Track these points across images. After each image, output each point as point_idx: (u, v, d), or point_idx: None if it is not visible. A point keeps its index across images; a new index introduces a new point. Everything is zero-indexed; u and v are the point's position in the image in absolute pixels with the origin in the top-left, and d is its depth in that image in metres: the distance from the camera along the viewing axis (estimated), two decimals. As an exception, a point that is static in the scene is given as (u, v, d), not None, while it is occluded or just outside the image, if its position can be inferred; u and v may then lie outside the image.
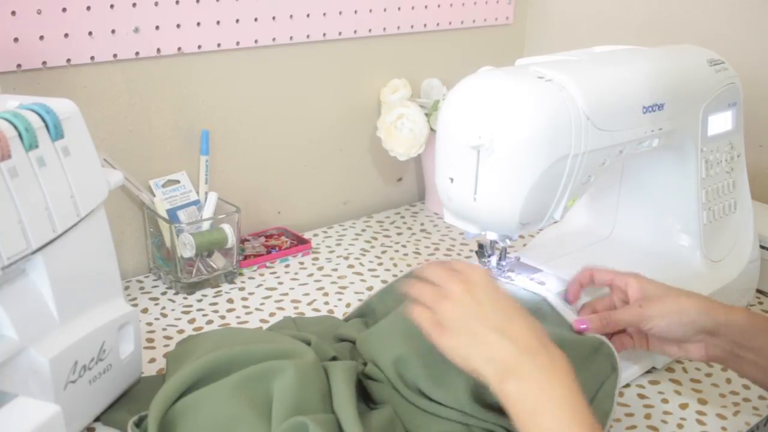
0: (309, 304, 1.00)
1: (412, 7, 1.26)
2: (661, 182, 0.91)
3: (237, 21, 1.07)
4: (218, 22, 1.05)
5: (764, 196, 1.15)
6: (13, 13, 0.88)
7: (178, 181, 1.06)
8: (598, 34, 1.34)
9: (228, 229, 1.02)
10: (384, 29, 1.24)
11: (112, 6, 0.95)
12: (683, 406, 0.81)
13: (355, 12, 1.19)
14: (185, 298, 1.00)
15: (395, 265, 1.12)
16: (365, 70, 1.25)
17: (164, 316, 0.96)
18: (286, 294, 1.03)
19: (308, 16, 1.14)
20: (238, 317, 0.96)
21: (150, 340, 0.90)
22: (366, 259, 1.14)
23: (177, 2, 1.00)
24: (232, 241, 1.02)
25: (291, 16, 1.12)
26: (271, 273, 1.08)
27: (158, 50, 1.01)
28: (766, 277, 1.01)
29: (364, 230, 1.25)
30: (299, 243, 1.15)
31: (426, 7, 1.28)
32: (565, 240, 0.91)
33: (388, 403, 0.73)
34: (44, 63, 0.92)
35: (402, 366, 0.73)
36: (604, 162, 0.76)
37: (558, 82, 0.72)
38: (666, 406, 0.81)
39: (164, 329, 0.93)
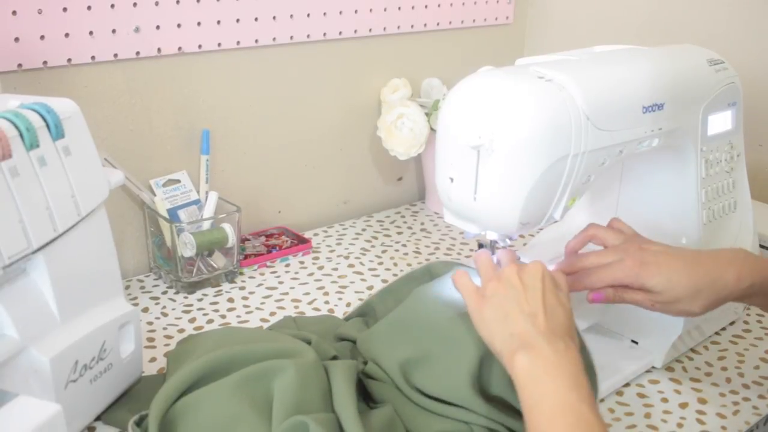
0: (309, 303, 1.00)
1: (412, 7, 1.26)
2: (661, 182, 0.91)
3: (237, 21, 1.07)
4: (219, 22, 1.05)
5: (764, 196, 1.15)
6: (14, 12, 0.88)
7: (178, 181, 1.07)
8: (598, 34, 1.34)
9: (228, 228, 1.02)
10: (384, 29, 1.24)
11: (112, 6, 0.95)
12: (683, 406, 0.81)
13: (356, 12, 1.19)
14: (186, 298, 1.00)
15: (395, 264, 1.12)
16: (365, 69, 1.25)
17: (165, 315, 0.96)
18: (287, 293, 1.03)
19: (309, 15, 1.14)
20: (238, 316, 0.96)
21: (151, 340, 0.90)
22: (366, 258, 1.14)
23: (177, 2, 1.00)
24: (232, 240, 1.02)
25: (291, 16, 1.12)
26: (272, 272, 1.08)
27: (159, 50, 1.01)
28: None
29: (364, 230, 1.25)
30: (299, 242, 1.15)
31: (426, 6, 1.28)
32: (565, 240, 0.91)
33: (388, 402, 0.73)
34: (45, 63, 0.92)
35: (408, 368, 0.73)
36: (604, 162, 0.76)
37: (558, 82, 0.72)
38: (666, 406, 0.81)
39: (165, 328, 0.93)
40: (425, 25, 1.29)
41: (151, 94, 1.03)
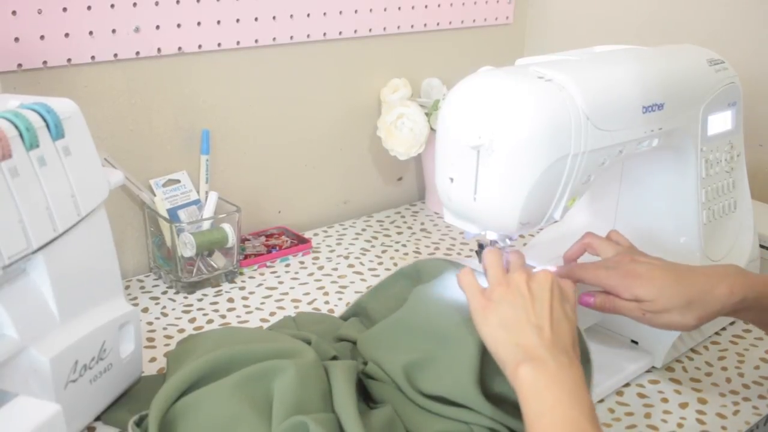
0: (309, 303, 1.00)
1: (412, 7, 1.26)
2: (661, 182, 0.91)
3: (237, 21, 1.07)
4: (219, 22, 1.05)
5: (764, 196, 1.15)
6: (14, 12, 0.88)
7: (178, 181, 1.07)
8: (598, 34, 1.34)
9: (228, 228, 1.02)
10: (384, 29, 1.24)
11: (112, 6, 0.95)
12: (683, 406, 0.81)
13: (356, 12, 1.19)
14: (186, 298, 1.00)
15: (395, 264, 1.12)
16: (365, 69, 1.25)
17: (165, 315, 0.96)
18: (287, 293, 1.03)
19: (309, 15, 1.14)
20: (238, 316, 0.96)
21: (150, 340, 0.90)
22: (366, 258, 1.14)
23: (177, 2, 1.00)
24: (232, 240, 1.02)
25: (291, 16, 1.12)
26: (272, 272, 1.08)
27: (159, 50, 1.01)
28: (765, 277, 1.01)
29: (364, 230, 1.25)
30: (299, 242, 1.15)
31: (426, 6, 1.28)
32: (565, 240, 0.91)
33: (388, 402, 0.73)
34: (45, 63, 0.92)
35: (410, 368, 0.73)
36: (603, 162, 0.76)
37: (558, 82, 0.72)
38: (666, 406, 0.81)
39: (165, 328, 0.93)
40: (425, 25, 1.29)
41: (151, 94, 1.03)
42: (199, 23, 1.03)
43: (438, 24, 1.31)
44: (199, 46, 1.04)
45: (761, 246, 1.00)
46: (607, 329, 0.92)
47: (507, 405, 0.70)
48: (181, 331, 0.93)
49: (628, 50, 0.86)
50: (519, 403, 0.62)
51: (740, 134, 0.95)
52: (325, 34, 1.17)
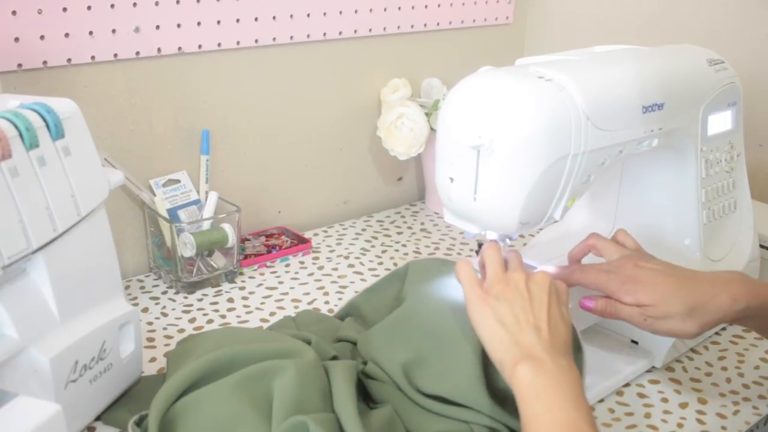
0: (309, 303, 1.00)
1: (412, 7, 1.26)
2: (661, 182, 0.91)
3: (237, 21, 1.07)
4: (219, 22, 1.05)
5: (764, 196, 1.15)
6: (14, 12, 0.88)
7: (178, 181, 1.07)
8: (598, 34, 1.34)
9: (228, 228, 1.02)
10: (384, 29, 1.24)
11: (112, 6, 0.95)
12: (683, 406, 0.81)
13: (356, 12, 1.19)
14: (186, 298, 1.00)
15: (395, 264, 1.12)
16: (365, 69, 1.25)
17: (165, 315, 0.96)
18: (287, 293, 1.03)
19: (308, 15, 1.14)
20: (238, 316, 0.96)
21: (150, 340, 0.90)
22: (366, 258, 1.14)
23: (177, 2, 1.00)
24: (232, 240, 1.02)
25: (291, 16, 1.12)
26: (272, 272, 1.08)
27: (159, 50, 1.01)
28: (766, 277, 1.01)
29: (364, 230, 1.25)
30: (299, 242, 1.15)
31: (426, 6, 1.28)
32: (565, 240, 0.91)
33: (388, 402, 0.73)
34: (45, 63, 0.92)
35: (410, 368, 0.73)
36: (603, 162, 0.76)
37: (558, 82, 0.72)
38: (666, 406, 0.81)
39: (165, 328, 0.93)
40: (425, 25, 1.29)
41: (151, 94, 1.03)
42: (199, 23, 1.03)
43: (438, 24, 1.31)
44: (199, 46, 1.04)
45: (761, 246, 1.00)
46: (607, 329, 0.92)
47: (508, 403, 0.70)
48: (181, 331, 0.93)
49: (628, 50, 0.86)
50: (516, 401, 0.62)
51: (740, 134, 0.95)
52: (325, 34, 1.17)
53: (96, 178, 0.71)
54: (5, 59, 0.89)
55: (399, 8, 1.25)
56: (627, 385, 0.84)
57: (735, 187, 0.95)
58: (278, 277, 1.07)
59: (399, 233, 1.24)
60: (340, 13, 1.17)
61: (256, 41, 1.10)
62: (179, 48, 1.03)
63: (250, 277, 1.07)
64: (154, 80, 1.02)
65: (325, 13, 1.16)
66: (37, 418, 0.53)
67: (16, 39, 0.89)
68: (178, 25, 1.01)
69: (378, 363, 0.76)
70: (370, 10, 1.21)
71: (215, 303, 0.99)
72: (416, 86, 1.29)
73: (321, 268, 1.10)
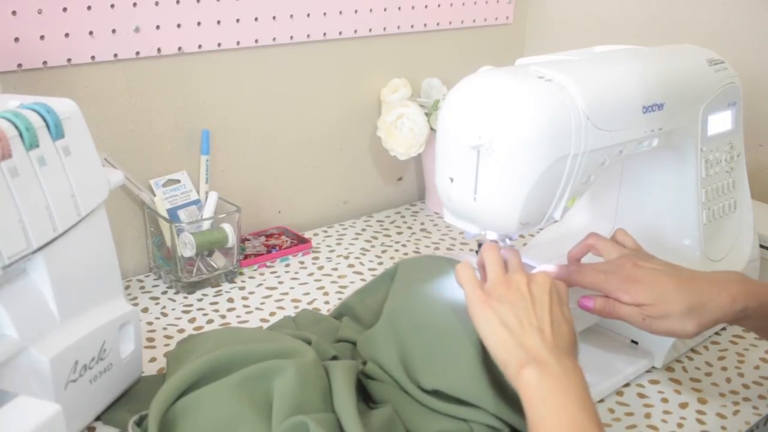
0: (309, 303, 1.00)
1: (412, 7, 1.26)
2: (661, 182, 0.91)
3: (237, 21, 1.07)
4: (219, 22, 1.05)
5: (764, 196, 1.15)
6: (14, 12, 0.88)
7: (178, 181, 1.07)
8: (598, 34, 1.34)
9: (228, 228, 1.02)
10: (384, 29, 1.24)
11: (112, 6, 0.95)
12: (683, 406, 0.81)
13: (356, 12, 1.19)
14: (186, 298, 1.00)
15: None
16: (365, 69, 1.25)
17: (165, 315, 0.96)
18: (287, 293, 1.03)
19: (308, 15, 1.14)
20: (238, 317, 0.96)
21: (150, 340, 0.90)
22: (366, 258, 1.14)
23: (177, 2, 1.00)
24: (232, 240, 1.02)
25: (291, 16, 1.12)
26: (272, 272, 1.08)
27: (159, 50, 1.01)
28: (766, 277, 1.01)
29: (364, 230, 1.25)
30: (299, 242, 1.15)
31: (426, 6, 1.28)
32: (565, 240, 0.91)
33: (388, 402, 0.73)
34: (45, 63, 0.92)
35: (411, 366, 0.73)
36: (603, 162, 0.76)
37: (558, 82, 0.72)
38: (666, 406, 0.81)
39: (165, 329, 0.93)
40: (425, 25, 1.29)
41: (151, 94, 1.03)
42: (199, 23, 1.03)
43: (438, 24, 1.31)
44: (199, 46, 1.04)
45: (761, 246, 1.00)
46: (607, 329, 0.92)
47: (507, 397, 0.70)
48: (181, 331, 0.93)
49: (628, 50, 0.86)
50: (522, 403, 0.62)
51: (740, 134, 0.95)
52: (325, 34, 1.17)
53: (96, 178, 0.71)
54: (5, 59, 0.89)
55: (399, 8, 1.25)
56: (627, 385, 0.84)
57: (735, 187, 0.95)
58: (278, 277, 1.07)
59: (399, 233, 1.24)
60: (340, 13, 1.17)
61: (256, 41, 1.10)
62: (179, 48, 1.03)
63: (250, 277, 1.07)
64: (154, 80, 1.02)
65: (325, 13, 1.16)
66: (37, 418, 0.53)
67: (16, 39, 0.89)
68: (178, 25, 1.01)
69: (378, 362, 0.76)
70: (370, 10, 1.21)
71: (215, 303, 0.99)
72: (416, 86, 1.29)
73: (321, 268, 1.10)
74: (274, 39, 1.12)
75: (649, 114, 0.79)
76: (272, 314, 0.97)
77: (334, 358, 0.79)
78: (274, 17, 1.10)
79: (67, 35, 0.92)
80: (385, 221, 1.29)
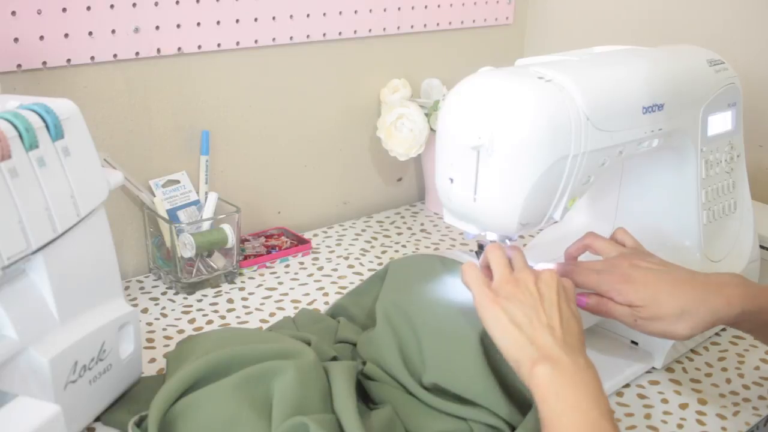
0: (309, 304, 1.00)
1: (412, 7, 1.26)
2: (661, 183, 0.91)
3: (237, 21, 1.07)
4: (218, 23, 1.05)
5: (764, 196, 1.15)
6: (13, 13, 0.88)
7: (178, 181, 1.07)
8: (598, 34, 1.34)
9: (228, 229, 1.02)
10: (384, 29, 1.24)
11: (112, 6, 0.95)
12: (683, 406, 0.81)
13: (355, 12, 1.19)
14: (185, 298, 1.00)
15: (395, 265, 1.12)
16: (365, 70, 1.25)
17: (164, 316, 0.96)
18: (286, 294, 1.03)
19: (308, 16, 1.14)
20: (238, 317, 0.96)
21: (150, 340, 0.90)
22: (366, 259, 1.14)
23: (177, 2, 1.00)
24: (232, 241, 1.02)
25: (291, 17, 1.12)
26: (271, 273, 1.08)
27: (158, 50, 1.01)
28: (766, 277, 1.01)
29: (364, 230, 1.25)
30: (299, 243, 1.15)
31: (426, 7, 1.28)
32: (566, 240, 0.91)
33: (387, 402, 0.73)
34: (44, 63, 0.92)
35: (411, 362, 0.73)
36: (603, 162, 0.76)
37: (558, 83, 0.72)
38: (666, 406, 0.81)
39: (164, 329, 0.93)
40: (425, 25, 1.29)
41: (151, 94, 1.03)
42: (198, 24, 1.03)
43: (438, 24, 1.31)
44: (199, 47, 1.04)
45: (761, 247, 1.00)
46: (608, 330, 0.92)
47: (510, 395, 0.70)
48: (181, 331, 0.92)
49: (627, 51, 0.86)
50: (535, 400, 0.62)
51: (740, 135, 0.95)
52: (324, 34, 1.17)
53: (95, 178, 0.71)
54: (5, 59, 0.89)
55: (399, 9, 1.25)
56: (627, 385, 0.84)
57: (735, 188, 0.95)
58: (278, 277, 1.07)
59: (399, 234, 1.24)
60: (340, 13, 1.17)
61: (256, 42, 1.10)
62: (179, 48, 1.03)
63: (250, 278, 1.07)
64: (153, 80, 1.02)
65: (324, 14, 1.16)
66: (37, 419, 0.53)
67: (16, 39, 0.89)
68: (178, 26, 1.01)
69: (379, 362, 0.76)
70: (370, 11, 1.21)
71: (215, 304, 0.99)
72: (416, 87, 1.29)
73: (321, 268, 1.10)
74: (273, 39, 1.12)
75: (650, 114, 0.79)
76: (272, 315, 0.97)
77: (334, 358, 0.78)
78: (273, 18, 1.10)
79: (66, 36, 0.92)
80: (384, 222, 1.29)
